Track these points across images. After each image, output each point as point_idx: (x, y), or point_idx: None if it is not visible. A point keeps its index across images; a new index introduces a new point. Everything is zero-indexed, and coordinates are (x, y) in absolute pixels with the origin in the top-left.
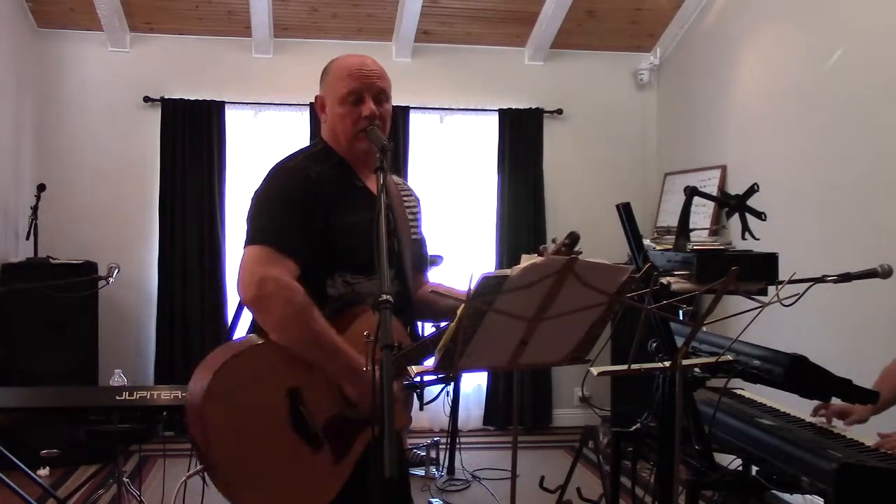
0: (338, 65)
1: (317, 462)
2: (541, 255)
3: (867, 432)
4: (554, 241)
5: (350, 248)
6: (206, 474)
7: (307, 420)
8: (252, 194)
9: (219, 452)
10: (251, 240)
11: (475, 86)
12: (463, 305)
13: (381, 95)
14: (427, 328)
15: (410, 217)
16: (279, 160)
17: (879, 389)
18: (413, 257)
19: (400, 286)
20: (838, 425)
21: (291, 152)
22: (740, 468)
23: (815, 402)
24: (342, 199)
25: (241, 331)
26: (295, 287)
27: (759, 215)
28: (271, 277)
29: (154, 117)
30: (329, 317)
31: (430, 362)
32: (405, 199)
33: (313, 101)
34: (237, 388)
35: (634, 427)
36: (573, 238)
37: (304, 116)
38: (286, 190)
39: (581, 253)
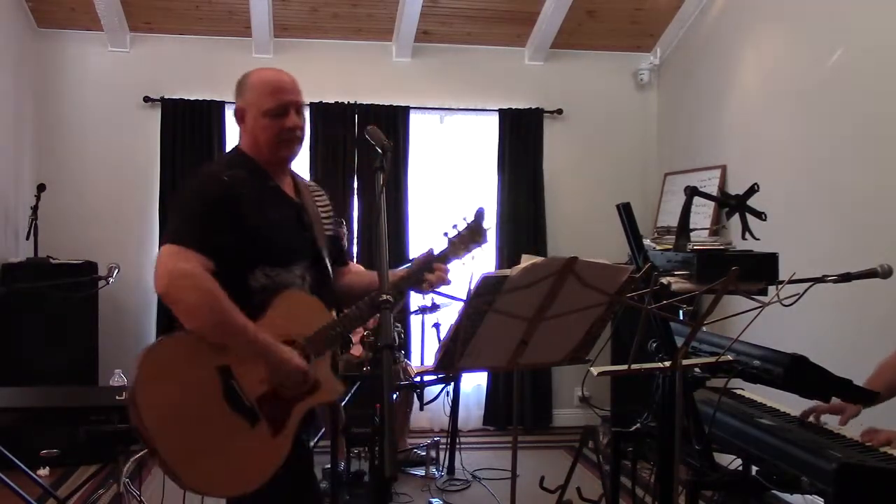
0: (257, 80)
1: (255, 436)
2: (450, 242)
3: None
4: (464, 219)
5: (268, 244)
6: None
7: (240, 395)
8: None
9: (157, 435)
10: (164, 240)
11: (475, 86)
12: (462, 305)
13: (300, 109)
14: None
15: (325, 215)
16: (199, 168)
17: (874, 385)
18: (330, 251)
19: (317, 273)
20: (829, 422)
21: (211, 161)
22: (740, 468)
23: (816, 402)
24: (257, 199)
25: None
26: (203, 275)
27: (759, 215)
28: (180, 269)
29: (154, 117)
30: (255, 306)
31: (430, 362)
32: (317, 198)
33: (234, 113)
34: (166, 370)
35: (634, 427)
36: (479, 214)
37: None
38: (199, 193)
39: (488, 229)
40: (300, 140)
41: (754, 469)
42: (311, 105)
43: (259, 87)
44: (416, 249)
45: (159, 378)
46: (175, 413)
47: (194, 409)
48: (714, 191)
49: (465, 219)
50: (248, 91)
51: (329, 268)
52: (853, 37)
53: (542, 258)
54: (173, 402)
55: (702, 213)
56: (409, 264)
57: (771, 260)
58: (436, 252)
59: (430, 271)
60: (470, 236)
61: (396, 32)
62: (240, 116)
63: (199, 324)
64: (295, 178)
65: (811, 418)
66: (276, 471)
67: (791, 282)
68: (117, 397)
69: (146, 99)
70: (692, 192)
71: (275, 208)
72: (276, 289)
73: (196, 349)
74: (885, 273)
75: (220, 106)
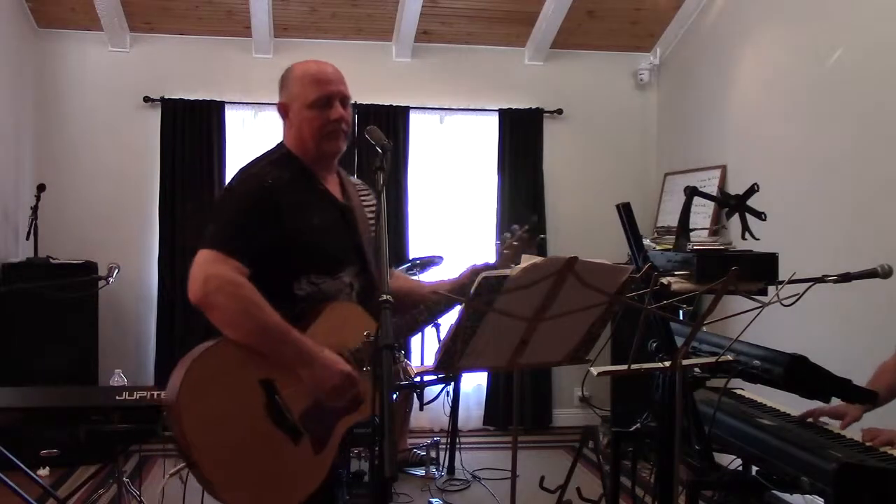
0: (301, 72)
1: (297, 454)
2: (503, 243)
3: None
4: (516, 227)
5: (312, 250)
6: (189, 472)
7: (284, 411)
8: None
9: (199, 450)
10: (201, 244)
11: (475, 86)
12: (464, 305)
13: (346, 101)
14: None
15: (370, 215)
16: (242, 166)
17: (874, 386)
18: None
19: (365, 281)
20: (831, 423)
21: (255, 157)
22: (740, 468)
23: (816, 403)
24: (302, 203)
25: None
26: (240, 281)
27: (759, 215)
28: (216, 275)
29: (154, 117)
30: (298, 314)
31: (430, 362)
32: (364, 198)
33: (279, 107)
34: (210, 383)
35: (634, 427)
36: (532, 223)
37: None
38: (242, 197)
39: (544, 237)
40: (346, 134)
41: (754, 469)
42: None
43: (303, 78)
44: (416, 249)
45: (203, 392)
46: (219, 428)
47: (237, 424)
48: (714, 191)
49: (516, 227)
50: (292, 84)
51: (375, 273)
52: (853, 37)
53: (542, 258)
54: (216, 418)
55: (702, 213)
56: (457, 277)
57: (771, 260)
58: (484, 263)
59: None
60: (522, 247)
61: (396, 32)
62: (283, 111)
63: (237, 332)
64: (341, 176)
65: (810, 419)
66: (317, 488)
67: (791, 282)
68: (117, 397)
69: (146, 99)
70: (692, 192)
71: (320, 213)
72: (323, 297)
73: (238, 360)
74: (885, 273)
75: (220, 106)
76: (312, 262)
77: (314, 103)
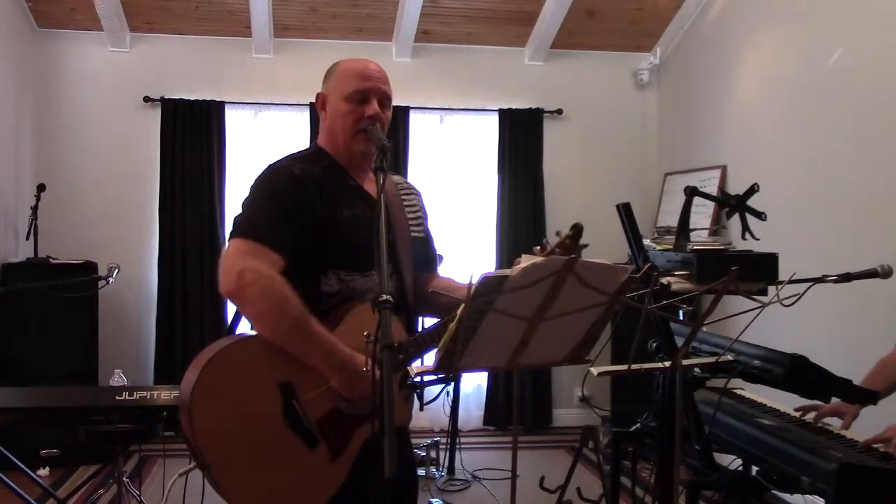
0: (346, 65)
1: (313, 460)
2: (543, 249)
3: (864, 428)
4: (558, 234)
5: (341, 245)
6: (198, 474)
7: (301, 416)
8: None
9: (210, 451)
10: (234, 234)
11: (475, 86)
12: (463, 305)
13: (385, 100)
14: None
15: (411, 216)
16: (271, 163)
17: (872, 382)
18: (416, 255)
19: (397, 284)
20: (831, 423)
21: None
22: (740, 468)
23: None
24: (331, 196)
25: (241, 331)
26: (275, 277)
27: (759, 215)
28: (251, 268)
29: (154, 117)
30: (323, 312)
31: (430, 361)
32: (405, 198)
33: (314, 99)
34: (227, 383)
35: (634, 427)
36: (577, 230)
37: (304, 116)
38: (270, 188)
39: (587, 246)
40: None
41: (754, 469)
42: (311, 105)
43: (345, 72)
44: None
45: (221, 391)
46: (232, 430)
47: (251, 427)
48: (714, 191)
49: (558, 234)
50: (333, 76)
51: (409, 279)
52: (853, 37)
53: (542, 258)
54: (231, 419)
55: (702, 213)
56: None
57: (771, 260)
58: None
59: None
60: (563, 254)
61: (396, 32)
62: (321, 103)
63: (268, 329)
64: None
65: (810, 417)
66: (331, 499)
67: (791, 282)
68: (117, 397)
69: (146, 99)
70: (692, 192)
71: (351, 207)
72: (351, 296)
73: (256, 361)
74: (885, 273)
75: (220, 106)
76: (342, 257)
77: (350, 96)
